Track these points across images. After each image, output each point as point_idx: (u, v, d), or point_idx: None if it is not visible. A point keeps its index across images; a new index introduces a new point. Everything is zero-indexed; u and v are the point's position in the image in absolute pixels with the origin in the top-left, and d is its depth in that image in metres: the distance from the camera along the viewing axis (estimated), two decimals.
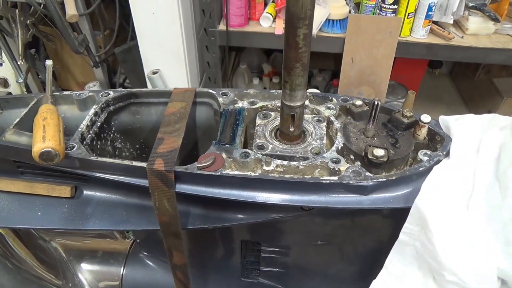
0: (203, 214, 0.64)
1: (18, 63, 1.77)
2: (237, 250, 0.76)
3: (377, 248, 0.69)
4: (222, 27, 1.74)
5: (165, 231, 0.62)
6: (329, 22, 1.72)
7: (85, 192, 0.67)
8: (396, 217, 0.59)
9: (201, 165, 0.57)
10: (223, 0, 1.69)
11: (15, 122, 0.64)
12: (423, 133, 0.62)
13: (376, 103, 0.59)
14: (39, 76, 1.96)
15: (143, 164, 0.57)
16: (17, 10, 1.71)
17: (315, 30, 1.69)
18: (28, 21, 1.75)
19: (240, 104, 0.70)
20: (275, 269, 0.79)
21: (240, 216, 0.64)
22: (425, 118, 0.60)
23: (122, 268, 0.82)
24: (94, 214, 0.65)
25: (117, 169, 0.59)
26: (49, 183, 0.67)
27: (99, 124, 0.68)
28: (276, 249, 0.75)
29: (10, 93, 2.13)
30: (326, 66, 2.19)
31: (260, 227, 0.71)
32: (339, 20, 1.72)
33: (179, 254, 0.64)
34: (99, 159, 0.59)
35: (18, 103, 0.71)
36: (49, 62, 0.73)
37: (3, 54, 1.84)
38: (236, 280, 0.81)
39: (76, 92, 0.71)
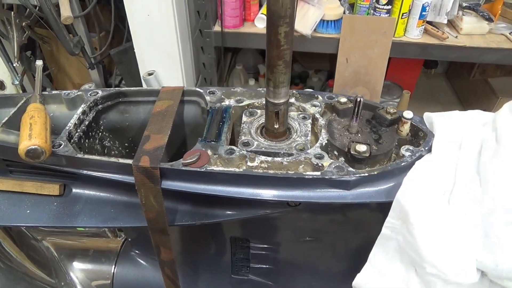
0: (191, 210, 0.65)
1: (14, 65, 1.79)
2: (226, 247, 0.77)
3: (364, 243, 0.70)
4: (217, 28, 1.75)
5: (152, 228, 0.63)
6: (323, 22, 1.74)
7: (73, 190, 0.68)
8: (381, 212, 0.60)
9: (187, 161, 0.58)
10: (218, 1, 1.71)
11: (3, 121, 0.65)
12: (405, 129, 0.63)
13: (358, 99, 0.60)
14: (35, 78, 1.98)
15: (129, 161, 0.58)
16: (12, 13, 1.73)
17: (309, 31, 1.71)
18: (23, 23, 1.77)
19: (227, 102, 0.71)
20: (265, 266, 0.80)
21: (227, 212, 0.65)
22: (408, 114, 0.61)
23: (113, 266, 0.83)
24: (83, 212, 0.66)
25: (103, 166, 0.60)
26: (38, 181, 0.68)
27: (87, 122, 0.69)
28: (265, 246, 0.76)
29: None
30: (322, 67, 2.21)
31: (248, 224, 0.72)
32: (334, 20, 1.73)
33: (166, 251, 0.65)
34: (86, 156, 0.60)
35: (7, 102, 0.72)
36: (39, 63, 0.74)
37: None
38: (226, 277, 0.82)
39: (65, 92, 0.72)
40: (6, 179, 0.68)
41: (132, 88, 0.74)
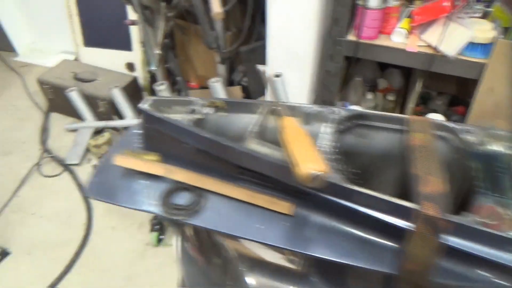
0: (453, 269, 0.53)
1: (155, 52, 1.82)
2: None
3: None
4: (350, 37, 1.63)
5: (406, 280, 0.52)
6: (469, 45, 1.52)
7: (303, 211, 0.60)
8: None
9: (484, 220, 0.47)
10: (358, 10, 1.58)
11: (253, 130, 0.59)
12: None
13: None
14: (166, 65, 2.01)
15: (411, 205, 0.48)
16: (163, 3, 1.76)
17: (454, 52, 1.51)
18: (169, 14, 1.80)
19: (492, 146, 0.58)
20: None
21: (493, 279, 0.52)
22: None
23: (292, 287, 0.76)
24: (315, 239, 0.57)
25: (370, 201, 0.51)
26: (268, 195, 0.61)
27: (334, 144, 0.60)
28: None
29: (136, 77, 2.24)
30: (446, 89, 1.97)
31: None
32: (482, 44, 1.50)
33: None
34: (357, 188, 0.51)
35: (241, 107, 0.66)
36: (276, 77, 0.67)
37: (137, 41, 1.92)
38: None
39: (302, 105, 0.64)
40: (239, 188, 0.62)
41: (372, 112, 0.64)
